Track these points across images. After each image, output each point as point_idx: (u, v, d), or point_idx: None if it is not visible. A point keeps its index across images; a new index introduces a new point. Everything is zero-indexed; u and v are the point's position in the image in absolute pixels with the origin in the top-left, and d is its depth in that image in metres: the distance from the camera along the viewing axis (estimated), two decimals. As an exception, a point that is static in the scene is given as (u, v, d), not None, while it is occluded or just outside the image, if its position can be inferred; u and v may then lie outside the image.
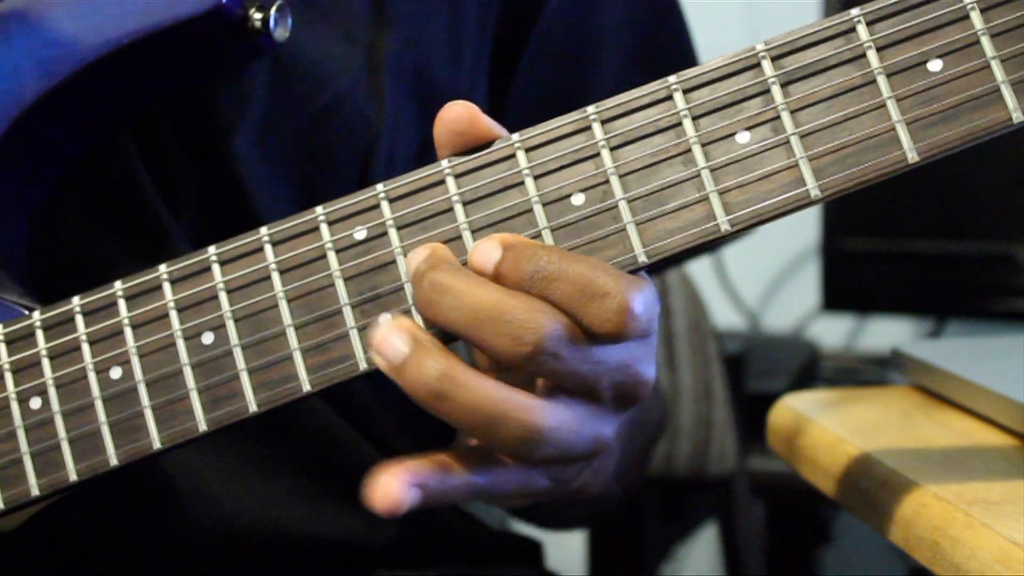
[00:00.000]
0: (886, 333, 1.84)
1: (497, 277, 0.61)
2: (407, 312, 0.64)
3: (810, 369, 1.63)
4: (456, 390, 0.60)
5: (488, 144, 0.64)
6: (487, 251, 0.61)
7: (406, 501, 0.61)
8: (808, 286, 1.83)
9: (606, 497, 0.83)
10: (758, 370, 1.50)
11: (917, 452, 0.73)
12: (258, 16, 0.72)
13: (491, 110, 0.88)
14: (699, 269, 1.57)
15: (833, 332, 1.86)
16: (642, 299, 0.60)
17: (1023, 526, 0.60)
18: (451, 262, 0.62)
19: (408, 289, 0.64)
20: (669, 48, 0.92)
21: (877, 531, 0.70)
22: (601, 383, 0.62)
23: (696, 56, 0.93)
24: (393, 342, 0.61)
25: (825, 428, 0.79)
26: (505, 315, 0.59)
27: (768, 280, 1.94)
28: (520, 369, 0.60)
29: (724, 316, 1.82)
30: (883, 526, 0.68)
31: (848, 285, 1.66)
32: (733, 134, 0.61)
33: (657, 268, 0.64)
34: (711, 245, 0.63)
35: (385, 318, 0.63)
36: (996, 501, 0.64)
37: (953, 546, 0.62)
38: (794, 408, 0.85)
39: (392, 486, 0.61)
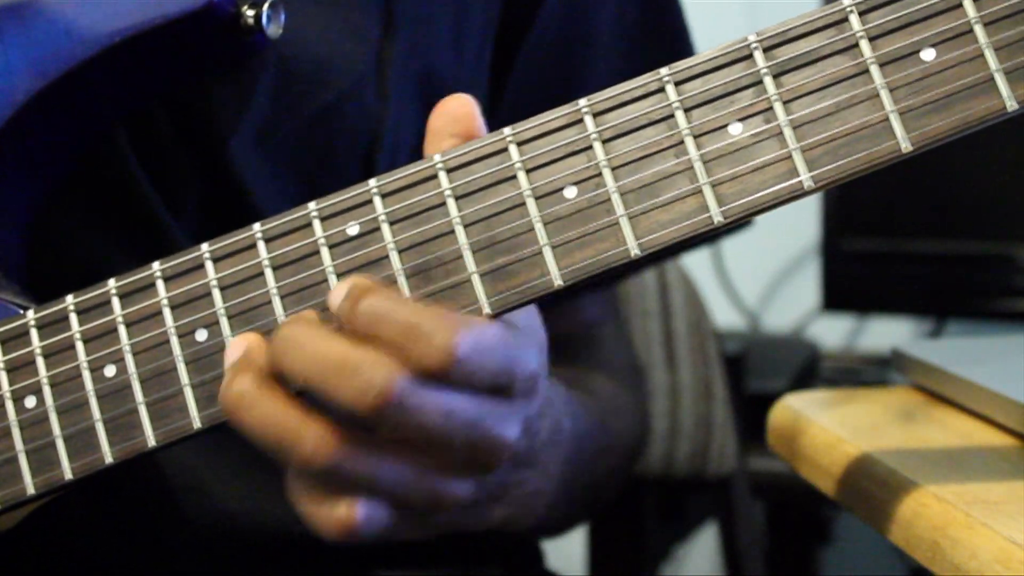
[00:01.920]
0: (886, 333, 1.84)
1: (339, 318, 0.60)
2: None
3: (810, 369, 1.63)
4: (246, 410, 0.60)
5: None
6: (338, 292, 0.61)
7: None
8: (808, 286, 1.83)
9: (551, 521, 0.82)
10: (758, 370, 1.50)
11: (917, 452, 0.73)
12: (250, 13, 0.72)
13: (489, 107, 0.88)
14: (699, 269, 1.57)
15: (833, 332, 1.85)
16: (473, 339, 0.59)
17: (1023, 526, 0.60)
18: (307, 316, 0.62)
19: (400, 283, 0.64)
20: (666, 43, 0.92)
21: (877, 531, 0.70)
22: (453, 441, 0.61)
23: (694, 51, 0.93)
24: (232, 350, 0.62)
25: (825, 428, 0.79)
26: (349, 366, 0.58)
27: (768, 280, 1.94)
28: (369, 422, 0.59)
29: (724, 316, 1.81)
30: (883, 526, 0.68)
31: (848, 285, 1.66)
32: (725, 125, 0.61)
33: (652, 260, 0.64)
34: (707, 237, 0.63)
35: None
36: (996, 501, 0.63)
37: (953, 546, 0.61)
38: (794, 408, 0.85)
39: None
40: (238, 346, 0.63)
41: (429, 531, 0.67)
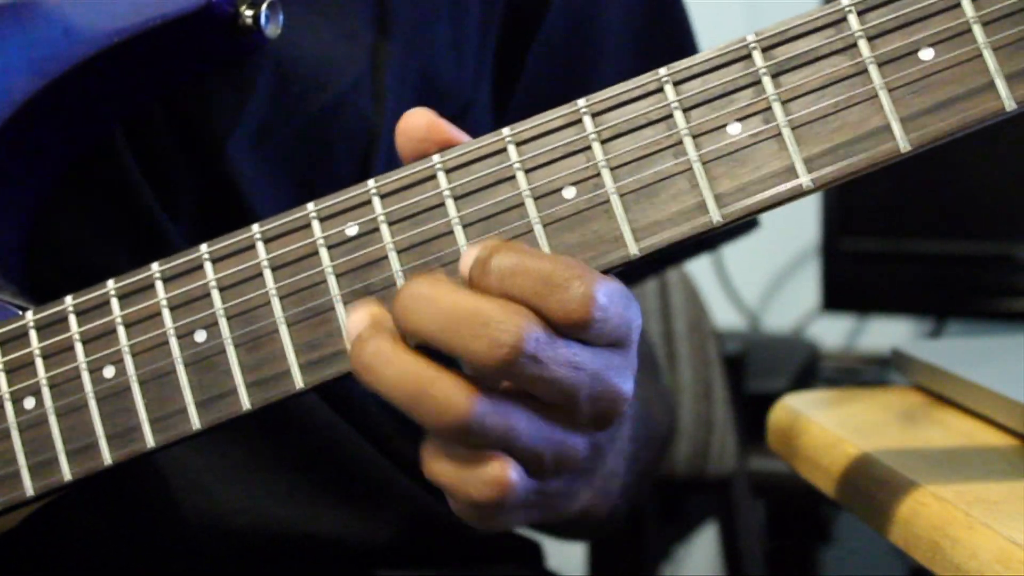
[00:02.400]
0: (886, 333, 1.84)
1: (469, 280, 0.60)
2: None
3: (810, 369, 1.63)
4: (384, 366, 0.59)
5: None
6: (469, 254, 0.60)
7: None
8: (808, 286, 1.83)
9: (613, 517, 0.82)
10: (758, 370, 1.50)
11: (917, 452, 0.73)
12: (249, 13, 0.72)
13: (495, 110, 0.88)
14: (699, 269, 1.57)
15: (833, 332, 1.85)
16: (606, 290, 0.59)
17: (1023, 526, 0.60)
18: (433, 273, 0.61)
19: (400, 284, 0.64)
20: (672, 43, 0.92)
21: (877, 531, 0.70)
22: (580, 394, 0.61)
23: (698, 51, 0.93)
24: (354, 317, 0.61)
25: (825, 428, 0.79)
26: (480, 318, 0.58)
27: (768, 280, 1.94)
28: (500, 375, 0.59)
29: (724, 316, 1.81)
30: (883, 526, 0.68)
31: (848, 285, 1.66)
32: (724, 125, 0.61)
33: (653, 264, 0.64)
34: (707, 241, 0.63)
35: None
36: (996, 501, 0.63)
37: (953, 546, 0.61)
38: (794, 408, 0.85)
39: None
40: (362, 312, 0.61)
41: (540, 513, 0.66)
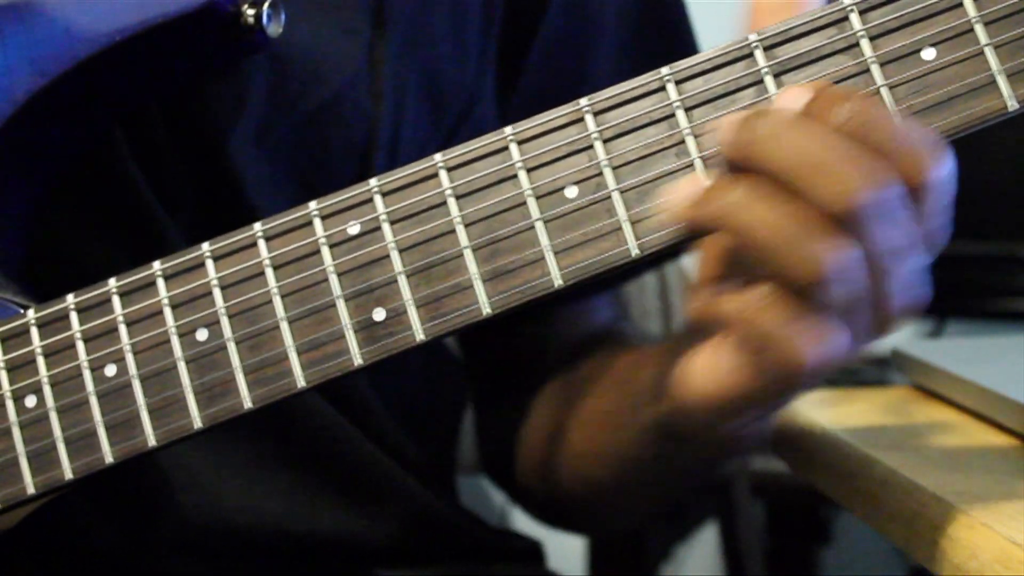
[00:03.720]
0: (886, 333, 1.84)
1: (809, 115, 0.57)
2: (401, 312, 0.63)
3: (810, 369, 1.62)
4: (746, 208, 0.56)
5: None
6: (796, 93, 0.57)
7: None
8: (808, 286, 1.82)
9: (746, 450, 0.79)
10: (758, 370, 1.50)
11: (917, 452, 0.73)
12: (251, 12, 0.71)
13: (499, 105, 0.88)
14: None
15: (833, 332, 1.85)
16: (951, 168, 0.57)
17: (1023, 526, 0.60)
18: (784, 110, 0.57)
19: (402, 282, 0.64)
20: (671, 41, 0.92)
21: (877, 531, 0.70)
22: (903, 268, 0.57)
23: (698, 49, 0.93)
24: (682, 185, 0.59)
25: (825, 428, 0.79)
26: (839, 161, 0.55)
27: (768, 280, 1.93)
28: (849, 229, 0.55)
29: (724, 317, 1.81)
30: (883, 526, 0.68)
31: (848, 285, 1.65)
32: (727, 125, 0.61)
33: (653, 261, 0.64)
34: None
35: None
36: (996, 501, 0.63)
37: (953, 546, 0.61)
38: (794, 408, 0.85)
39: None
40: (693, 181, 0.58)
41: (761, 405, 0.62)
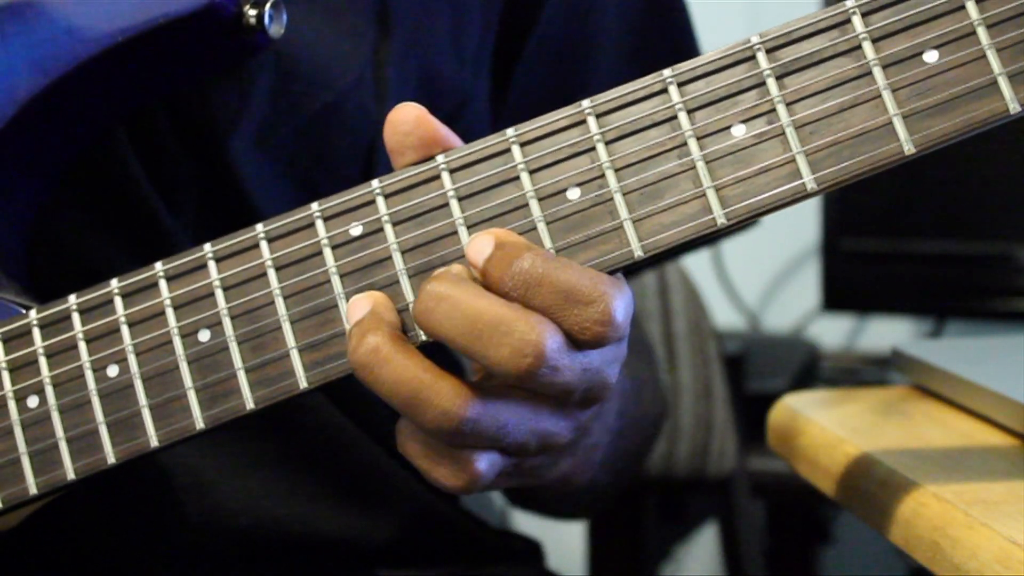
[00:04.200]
0: (886, 333, 1.84)
1: (484, 275, 0.61)
2: (403, 310, 0.64)
3: (810, 369, 1.63)
4: (381, 366, 0.60)
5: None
6: (480, 246, 0.61)
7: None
8: (808, 286, 1.83)
9: (596, 487, 0.82)
10: (758, 370, 1.50)
11: (917, 452, 0.73)
12: (252, 13, 0.72)
13: (493, 107, 0.88)
14: (699, 269, 1.57)
15: (833, 332, 1.85)
16: (623, 306, 0.61)
17: (1023, 526, 0.60)
18: (456, 273, 0.61)
19: (403, 284, 0.64)
20: (671, 41, 0.92)
21: (877, 531, 0.70)
22: (578, 390, 0.62)
23: (699, 51, 0.93)
24: (355, 307, 0.62)
25: (825, 428, 0.79)
26: (504, 326, 0.59)
27: (768, 280, 1.94)
28: (517, 383, 0.60)
29: (724, 316, 1.81)
30: (883, 526, 0.68)
31: (848, 285, 1.66)
32: (728, 127, 0.61)
33: (655, 261, 0.64)
34: (709, 238, 0.63)
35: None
36: (996, 501, 0.63)
37: (953, 546, 0.61)
38: (794, 408, 0.85)
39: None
40: (362, 304, 0.62)
41: (515, 481, 0.67)
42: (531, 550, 0.97)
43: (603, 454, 0.78)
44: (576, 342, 0.60)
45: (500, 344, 0.59)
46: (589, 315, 0.60)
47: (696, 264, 1.46)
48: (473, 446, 0.62)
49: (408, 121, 0.64)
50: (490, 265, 0.60)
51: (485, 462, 0.62)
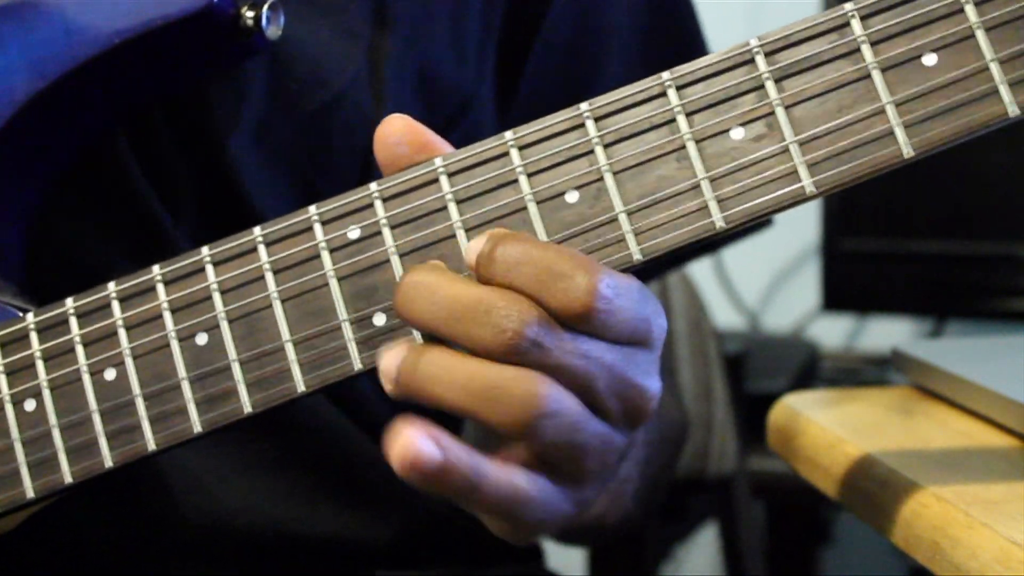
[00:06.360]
0: (886, 333, 1.84)
1: (475, 268, 0.60)
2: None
3: (810, 369, 1.63)
4: (445, 372, 0.59)
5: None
6: (475, 245, 0.61)
7: (423, 452, 0.59)
8: (808, 286, 1.83)
9: (626, 522, 0.81)
10: (758, 370, 1.50)
11: (917, 452, 0.73)
12: (250, 14, 0.71)
13: (499, 109, 0.88)
14: (699, 269, 1.57)
15: (833, 332, 1.86)
16: (611, 283, 0.59)
17: (1023, 526, 0.60)
18: (434, 264, 0.61)
19: None
20: (680, 42, 0.92)
21: (877, 531, 0.70)
22: (596, 383, 0.60)
23: (708, 51, 0.93)
24: (387, 357, 0.61)
25: (825, 428, 0.79)
26: (482, 305, 0.59)
27: (768, 280, 1.94)
28: (505, 361, 0.59)
29: (724, 316, 1.82)
30: (883, 526, 0.68)
31: (848, 285, 1.66)
32: (727, 130, 0.61)
33: (656, 268, 0.64)
34: (709, 245, 0.63)
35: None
36: (996, 501, 0.63)
37: (953, 546, 0.61)
38: (794, 408, 0.85)
39: (408, 433, 0.59)
40: (395, 349, 0.61)
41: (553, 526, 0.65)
42: (531, 550, 0.97)
43: (637, 485, 0.77)
44: (562, 318, 0.59)
45: (481, 323, 0.58)
46: (572, 286, 0.58)
47: (696, 264, 1.46)
48: (554, 446, 0.60)
49: (396, 132, 0.64)
50: (480, 257, 0.60)
51: (527, 478, 0.61)
